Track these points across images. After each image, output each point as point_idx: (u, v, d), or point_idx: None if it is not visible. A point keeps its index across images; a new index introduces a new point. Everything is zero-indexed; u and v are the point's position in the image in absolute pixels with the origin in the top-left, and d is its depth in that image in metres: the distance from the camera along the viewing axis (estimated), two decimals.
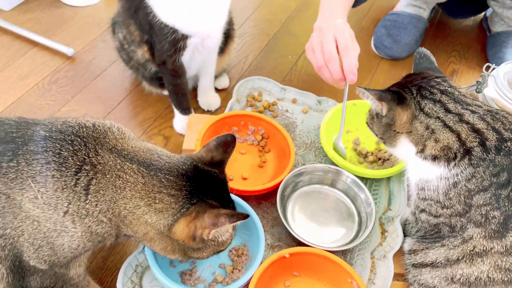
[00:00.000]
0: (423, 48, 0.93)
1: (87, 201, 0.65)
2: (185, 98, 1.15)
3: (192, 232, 0.68)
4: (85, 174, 0.65)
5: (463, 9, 1.58)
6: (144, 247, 0.87)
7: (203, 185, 0.70)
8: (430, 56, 0.92)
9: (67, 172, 0.65)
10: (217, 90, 1.29)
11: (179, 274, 0.86)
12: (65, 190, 0.65)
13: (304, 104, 1.19)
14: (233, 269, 0.88)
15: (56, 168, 0.64)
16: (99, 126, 0.70)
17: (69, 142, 0.66)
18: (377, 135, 0.91)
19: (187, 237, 0.69)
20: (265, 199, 1.00)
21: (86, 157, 0.66)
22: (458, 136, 0.78)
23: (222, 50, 1.21)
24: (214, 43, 1.11)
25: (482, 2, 1.51)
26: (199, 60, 1.13)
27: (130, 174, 0.67)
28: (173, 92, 1.15)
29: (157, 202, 0.67)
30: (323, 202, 1.01)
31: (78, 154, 0.66)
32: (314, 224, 0.97)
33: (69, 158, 0.65)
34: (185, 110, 1.17)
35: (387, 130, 0.87)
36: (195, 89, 1.27)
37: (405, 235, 0.94)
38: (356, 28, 1.56)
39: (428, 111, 0.81)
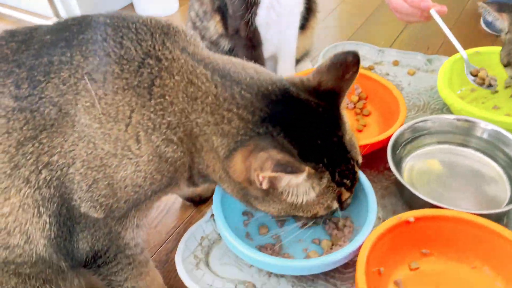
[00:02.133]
0: None
1: (151, 108, 0.48)
2: None
3: (247, 171, 0.48)
4: (148, 70, 0.49)
5: None
6: (212, 215, 0.67)
7: (286, 116, 0.50)
8: None
9: (129, 66, 0.49)
10: None
11: (257, 248, 0.63)
12: (126, 91, 0.48)
13: (409, 66, 0.96)
14: (332, 245, 0.63)
15: (116, 61, 0.49)
16: (169, 24, 0.55)
17: (133, 30, 0.51)
18: (503, 62, 0.78)
19: (244, 178, 0.49)
20: (370, 167, 0.76)
21: (151, 49, 0.50)
22: None
23: (304, 25, 1.05)
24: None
25: None
26: (276, 30, 0.97)
27: (202, 81, 0.50)
28: None
29: (224, 122, 0.50)
30: (453, 165, 0.74)
31: (142, 44, 0.50)
32: (443, 191, 0.70)
33: (132, 48, 0.50)
34: None
35: None
36: None
37: None
38: (458, 10, 1.34)
39: None
